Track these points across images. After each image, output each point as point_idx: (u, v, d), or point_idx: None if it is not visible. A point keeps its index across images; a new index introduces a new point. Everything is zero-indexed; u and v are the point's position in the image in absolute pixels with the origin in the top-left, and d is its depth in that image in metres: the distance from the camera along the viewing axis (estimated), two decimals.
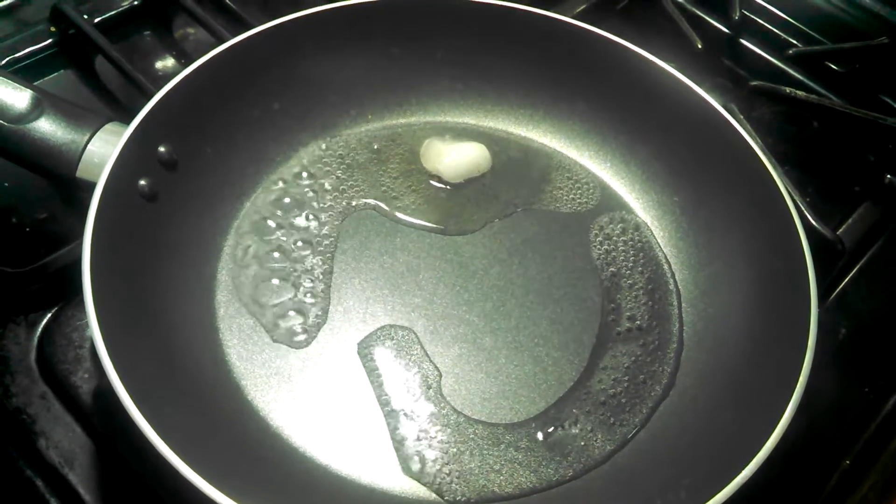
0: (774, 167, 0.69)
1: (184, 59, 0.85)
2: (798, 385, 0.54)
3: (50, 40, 0.81)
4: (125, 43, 0.84)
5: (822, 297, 0.73)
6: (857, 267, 0.77)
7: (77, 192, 0.61)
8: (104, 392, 0.60)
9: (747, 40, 0.93)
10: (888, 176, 0.84)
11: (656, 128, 0.73)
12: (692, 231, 0.70)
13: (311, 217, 0.69)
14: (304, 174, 0.72)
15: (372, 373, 0.62)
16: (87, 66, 0.82)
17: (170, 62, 0.85)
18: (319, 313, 0.64)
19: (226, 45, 0.68)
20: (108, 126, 0.62)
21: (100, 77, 0.81)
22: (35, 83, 0.76)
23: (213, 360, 0.61)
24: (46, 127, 0.61)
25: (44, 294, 0.65)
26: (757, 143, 0.68)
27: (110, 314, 0.53)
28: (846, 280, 0.76)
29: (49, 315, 0.64)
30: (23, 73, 0.78)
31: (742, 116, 0.80)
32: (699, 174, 0.71)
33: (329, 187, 0.71)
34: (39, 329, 0.64)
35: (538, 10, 0.74)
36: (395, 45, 0.73)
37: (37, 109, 0.62)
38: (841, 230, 0.78)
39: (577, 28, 0.73)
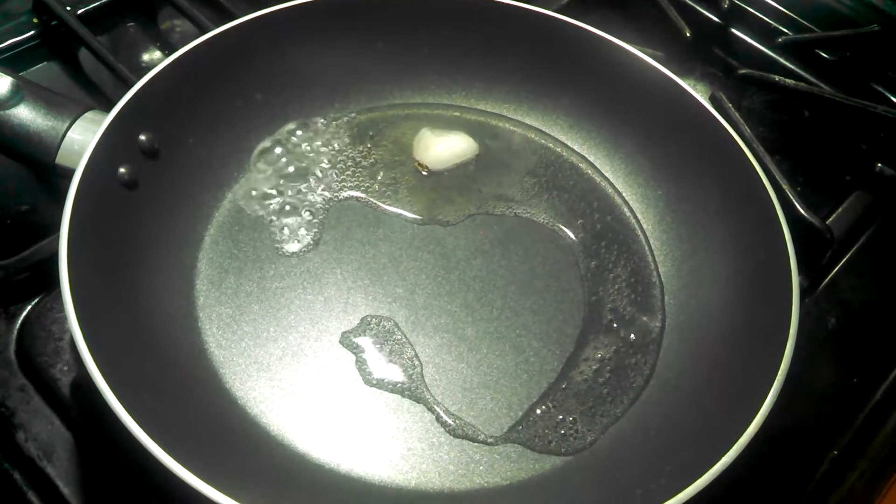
0: (760, 158, 0.68)
1: (169, 51, 0.83)
2: (779, 374, 0.54)
3: (33, 31, 0.81)
4: (109, 34, 0.84)
5: (811, 286, 0.73)
6: (847, 256, 0.76)
7: (57, 179, 0.61)
8: (83, 384, 0.60)
9: (737, 29, 0.92)
10: (879, 164, 0.83)
11: (640, 121, 0.73)
12: (675, 223, 0.70)
13: (293, 207, 0.69)
14: (287, 165, 0.71)
15: (352, 362, 0.61)
16: (70, 58, 0.81)
17: (156, 54, 0.84)
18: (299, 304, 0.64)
19: (209, 34, 0.67)
20: (88, 114, 0.62)
21: (83, 68, 0.81)
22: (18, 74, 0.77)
23: (192, 349, 0.61)
24: (26, 113, 0.61)
25: (24, 286, 0.65)
26: (742, 134, 0.68)
27: (88, 303, 0.53)
28: (836, 269, 0.75)
29: (29, 307, 0.64)
30: (5, 64, 0.77)
31: (731, 105, 0.79)
32: (683, 167, 0.70)
33: (312, 178, 0.71)
34: (19, 321, 0.63)
35: (522, 4, 0.73)
36: (380, 39, 0.73)
37: (16, 96, 0.61)
38: (831, 219, 0.78)
39: (560, 22, 0.72)
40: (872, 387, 0.68)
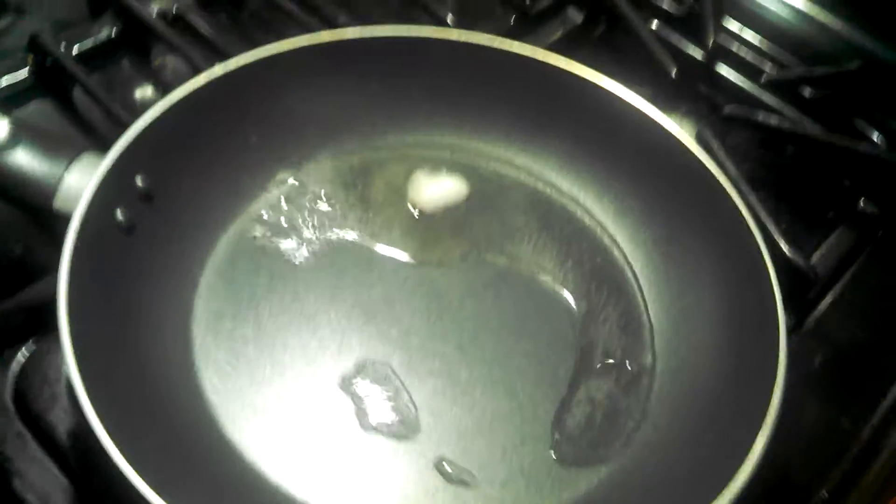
0: (745, 197, 0.70)
1: (161, 87, 0.84)
2: (768, 419, 0.55)
3: (27, 70, 0.81)
4: (103, 72, 0.84)
5: (797, 325, 0.74)
6: (832, 294, 0.78)
7: (53, 223, 0.61)
8: (80, 431, 0.60)
9: (722, 66, 0.94)
10: (861, 201, 0.85)
11: (628, 163, 0.73)
12: (664, 264, 0.71)
13: (287, 249, 0.69)
14: (280, 207, 0.72)
15: (347, 407, 0.62)
16: (64, 97, 0.81)
17: (148, 91, 0.85)
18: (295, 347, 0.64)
19: (204, 77, 0.68)
20: (84, 157, 0.62)
21: (77, 107, 0.81)
22: (12, 113, 0.77)
23: (189, 394, 0.61)
24: (24, 157, 0.61)
25: (19, 329, 0.65)
26: (727, 173, 0.69)
27: (86, 348, 0.53)
28: (820, 307, 0.76)
29: (25, 351, 0.64)
30: (0, 102, 0.78)
31: (716, 143, 0.81)
32: (670, 208, 0.71)
33: (305, 220, 0.71)
34: (15, 366, 0.63)
35: (512, 48, 0.74)
36: (372, 81, 0.73)
37: (14, 139, 0.61)
38: (815, 257, 0.79)
39: (548, 65, 0.73)
40: (860, 425, 0.69)
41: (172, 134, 0.65)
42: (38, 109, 0.80)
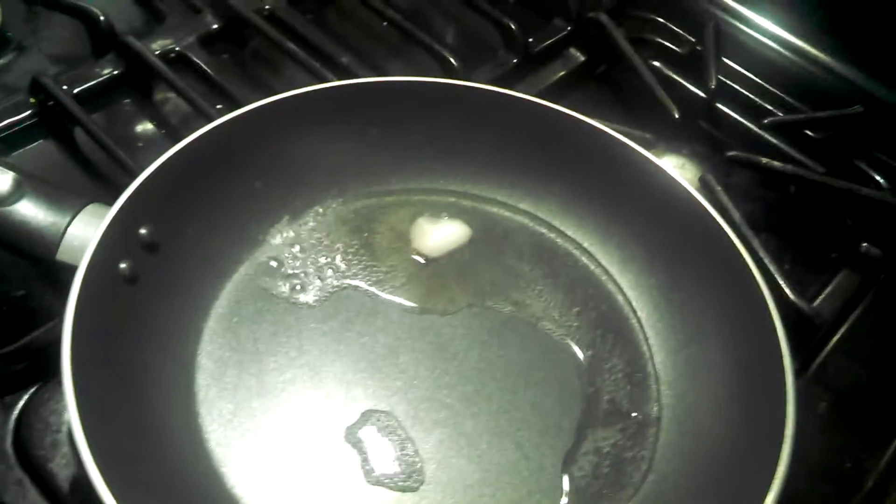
0: (748, 242, 0.70)
1: (163, 126, 0.85)
2: (777, 476, 0.55)
3: (29, 111, 0.81)
4: (105, 111, 0.84)
5: (801, 369, 0.74)
6: (836, 338, 0.78)
7: (56, 273, 0.61)
8: (81, 479, 0.59)
9: (725, 106, 0.94)
10: (864, 244, 0.85)
11: (632, 209, 0.73)
12: (670, 312, 0.70)
13: (291, 298, 0.69)
14: (285, 254, 0.71)
15: (353, 459, 0.61)
16: (66, 137, 0.81)
17: (149, 127, 0.85)
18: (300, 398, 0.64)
19: (208, 127, 0.67)
20: (89, 208, 0.62)
21: (79, 147, 0.81)
22: (14, 154, 0.78)
23: (192, 446, 0.60)
24: (27, 209, 0.61)
25: (20, 375, 0.64)
26: (730, 220, 0.69)
27: (88, 397, 0.52)
28: (825, 352, 0.76)
29: (26, 397, 0.63)
30: (2, 143, 0.78)
31: (719, 187, 0.81)
32: (674, 255, 0.71)
33: (309, 267, 0.71)
34: (16, 412, 0.63)
35: (513, 92, 0.74)
36: (375, 127, 0.73)
37: (18, 192, 0.61)
38: (819, 300, 0.79)
39: (549, 111, 0.73)
40: (865, 471, 0.69)
41: (177, 183, 0.65)
42: (41, 149, 0.80)
